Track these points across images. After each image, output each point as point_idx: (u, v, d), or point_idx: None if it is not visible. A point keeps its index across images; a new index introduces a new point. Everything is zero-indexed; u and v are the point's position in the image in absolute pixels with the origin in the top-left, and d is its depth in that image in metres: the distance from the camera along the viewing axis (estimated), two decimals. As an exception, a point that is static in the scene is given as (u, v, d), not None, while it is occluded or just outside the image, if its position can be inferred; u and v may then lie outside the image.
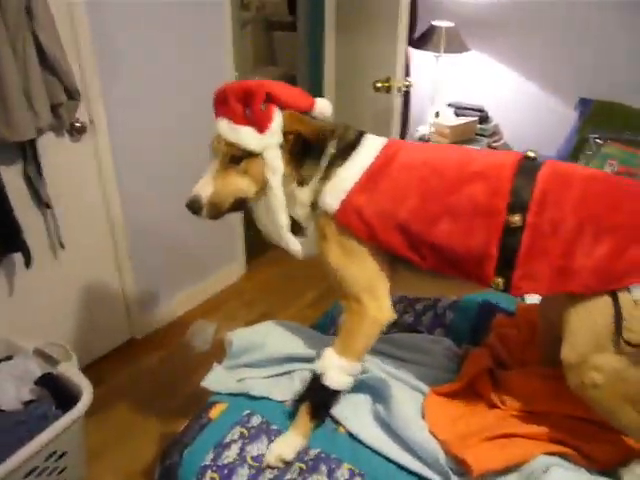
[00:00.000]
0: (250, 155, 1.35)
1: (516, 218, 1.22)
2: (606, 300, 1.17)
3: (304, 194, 1.42)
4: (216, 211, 1.39)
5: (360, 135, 1.43)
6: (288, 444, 1.37)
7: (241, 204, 1.43)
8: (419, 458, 1.34)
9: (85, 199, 2.38)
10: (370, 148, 1.40)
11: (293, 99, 1.39)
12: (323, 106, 1.45)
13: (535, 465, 1.27)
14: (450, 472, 1.29)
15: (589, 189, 1.23)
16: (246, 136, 1.33)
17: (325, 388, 1.39)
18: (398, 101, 2.73)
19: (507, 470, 1.29)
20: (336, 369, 1.38)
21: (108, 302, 2.62)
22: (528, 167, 1.29)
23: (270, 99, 1.33)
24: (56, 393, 1.87)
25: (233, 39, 2.87)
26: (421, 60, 3.55)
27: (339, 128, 1.42)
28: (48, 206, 2.17)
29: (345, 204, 1.35)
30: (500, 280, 1.25)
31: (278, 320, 1.76)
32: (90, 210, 2.41)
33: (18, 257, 2.12)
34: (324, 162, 1.40)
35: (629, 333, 1.15)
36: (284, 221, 1.41)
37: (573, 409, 1.38)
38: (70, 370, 1.93)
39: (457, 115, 3.44)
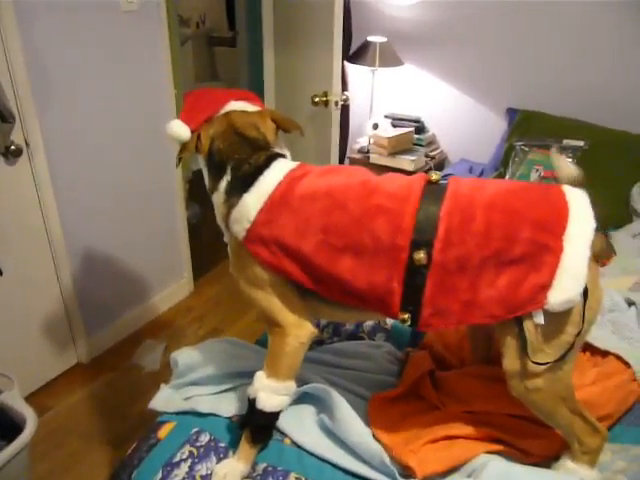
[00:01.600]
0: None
1: (421, 255, 1.20)
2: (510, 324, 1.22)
3: (218, 198, 1.42)
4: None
5: (270, 159, 1.38)
6: (233, 470, 1.35)
7: None
8: (365, 462, 1.37)
9: (24, 223, 2.33)
10: (275, 174, 1.34)
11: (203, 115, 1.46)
12: (174, 132, 1.47)
13: (475, 463, 1.33)
14: (396, 473, 1.33)
15: (489, 222, 1.20)
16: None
17: (260, 411, 1.36)
18: (336, 114, 2.79)
19: (450, 471, 1.35)
20: (267, 391, 1.36)
21: (52, 327, 2.57)
22: (431, 197, 1.25)
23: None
24: (-1, 423, 1.83)
25: (173, 55, 2.88)
26: (358, 74, 3.64)
27: (244, 150, 1.39)
28: (-17, 232, 2.12)
29: (251, 232, 1.32)
30: (406, 316, 1.25)
31: (222, 338, 1.78)
32: (29, 233, 2.36)
33: (-47, 285, 2.06)
34: (222, 186, 1.39)
35: (535, 354, 1.21)
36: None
37: (509, 407, 1.44)
38: (12, 399, 1.87)
39: (394, 126, 3.53)
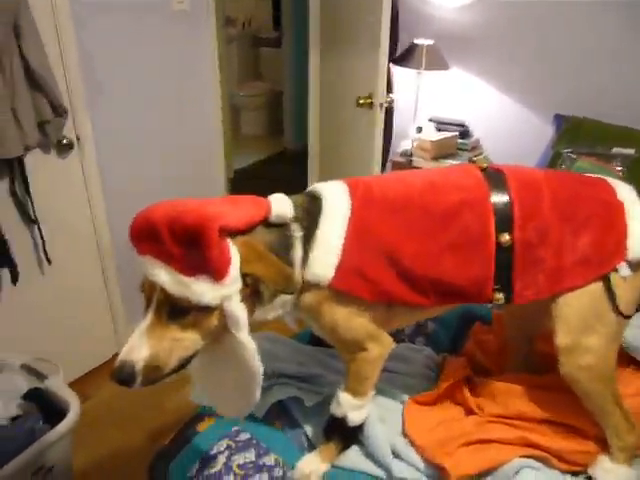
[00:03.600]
0: (200, 307, 1.07)
1: (506, 237, 1.25)
2: (592, 285, 1.28)
3: (281, 299, 1.22)
4: (155, 377, 1.08)
5: (311, 193, 1.30)
6: (317, 470, 1.37)
7: (187, 362, 1.13)
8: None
9: (72, 215, 2.40)
10: (337, 198, 1.26)
11: (246, 219, 1.13)
12: (281, 209, 1.20)
13: (508, 468, 1.33)
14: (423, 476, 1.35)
15: (555, 189, 1.31)
16: (200, 290, 1.04)
17: (353, 427, 1.38)
18: (380, 117, 2.78)
19: (483, 474, 1.34)
20: (356, 409, 1.37)
21: (95, 317, 2.64)
22: (496, 181, 1.31)
23: (221, 234, 1.04)
24: (43, 408, 1.89)
25: (219, 55, 2.92)
26: (403, 77, 3.61)
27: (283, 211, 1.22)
28: (35, 222, 2.20)
29: (341, 268, 1.20)
30: (501, 296, 1.29)
31: (262, 333, 1.79)
32: (77, 226, 2.44)
33: (5, 272, 2.14)
34: (298, 255, 1.21)
35: (622, 306, 1.27)
36: (259, 371, 1.14)
37: (545, 413, 1.45)
38: (57, 385, 1.94)
39: (438, 130, 3.50)
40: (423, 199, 1.29)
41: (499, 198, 1.28)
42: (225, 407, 1.31)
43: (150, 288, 1.09)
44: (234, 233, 1.09)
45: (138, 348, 1.06)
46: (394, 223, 1.26)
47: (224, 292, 1.05)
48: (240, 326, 1.08)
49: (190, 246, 1.03)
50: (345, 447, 1.43)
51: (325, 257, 1.21)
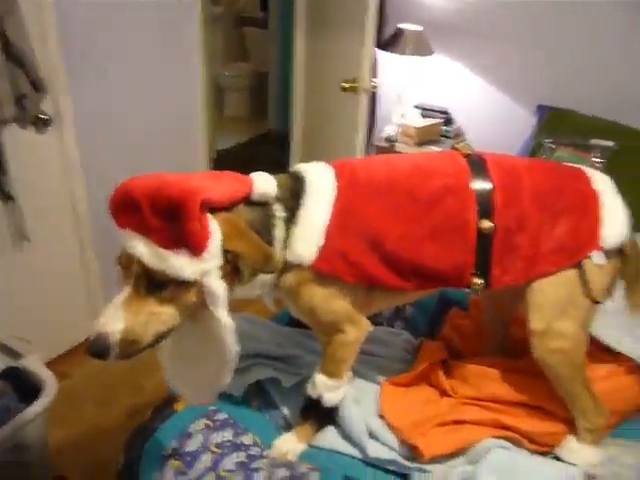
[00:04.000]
0: (178, 281, 1.05)
1: (488, 224, 1.27)
2: (567, 272, 1.31)
3: (261, 279, 1.21)
4: (130, 351, 1.07)
5: (295, 173, 1.29)
6: (294, 449, 1.40)
7: (163, 337, 1.12)
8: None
9: (50, 192, 2.37)
10: (323, 180, 1.26)
11: (228, 195, 1.12)
12: (264, 187, 1.19)
13: (480, 448, 1.37)
14: (398, 455, 1.37)
15: (535, 178, 1.34)
16: (179, 263, 1.03)
17: (328, 408, 1.40)
18: (365, 101, 2.77)
19: (456, 454, 1.38)
20: (332, 390, 1.39)
21: (73, 295, 2.62)
22: (477, 168, 1.33)
23: (203, 205, 1.04)
24: (19, 387, 1.87)
25: (203, 34, 2.88)
26: (388, 62, 3.60)
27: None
28: (11, 198, 2.16)
29: (325, 250, 1.20)
30: (479, 281, 1.31)
31: (241, 314, 1.79)
32: (55, 203, 2.41)
33: (-20, 250, 2.11)
34: (279, 235, 1.21)
35: (595, 293, 1.31)
36: (234, 351, 1.12)
37: (518, 395, 1.48)
38: (33, 363, 1.92)
39: (423, 117, 3.50)
40: (408, 183, 1.30)
41: (481, 185, 1.30)
42: (192, 392, 1.29)
43: (128, 261, 1.08)
44: (215, 209, 1.08)
45: (113, 321, 1.04)
46: (379, 206, 1.26)
47: (203, 267, 1.04)
48: (218, 303, 1.07)
49: (170, 219, 1.02)
50: (321, 427, 1.45)
51: (308, 238, 1.20)
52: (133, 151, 2.65)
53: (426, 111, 3.55)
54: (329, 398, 1.39)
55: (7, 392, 1.84)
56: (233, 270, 1.13)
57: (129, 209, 1.06)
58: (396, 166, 1.35)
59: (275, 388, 1.57)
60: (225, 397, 1.54)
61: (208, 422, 1.45)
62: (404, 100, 3.57)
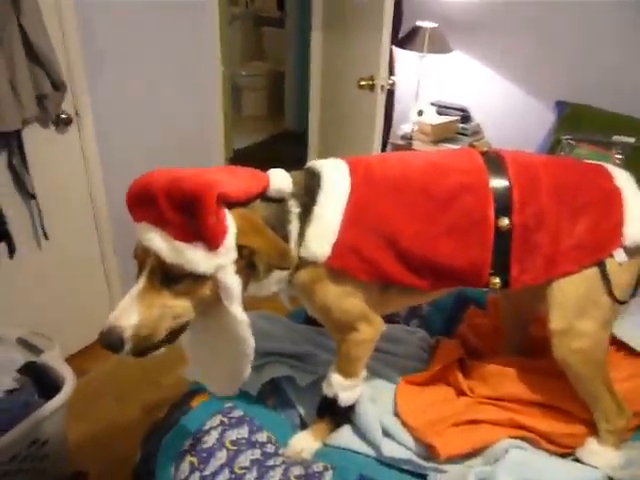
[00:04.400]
0: (194, 276, 1.05)
1: (505, 222, 1.25)
2: (588, 271, 1.28)
3: (277, 276, 1.21)
4: (145, 346, 1.07)
5: (310, 169, 1.29)
6: (309, 447, 1.40)
7: (179, 332, 1.12)
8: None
9: (70, 190, 2.40)
10: (337, 176, 1.25)
11: (245, 190, 1.12)
12: (280, 183, 1.19)
13: (497, 448, 1.35)
14: (414, 455, 1.37)
15: (554, 175, 1.31)
16: (195, 258, 1.03)
17: (345, 407, 1.40)
18: (381, 99, 2.77)
19: (472, 454, 1.37)
20: (348, 390, 1.38)
21: (92, 293, 2.64)
22: (494, 165, 1.31)
23: (219, 199, 1.04)
24: (39, 382, 1.90)
25: (221, 34, 2.90)
26: (405, 59, 3.58)
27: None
28: (33, 197, 2.19)
29: (338, 246, 1.19)
30: (497, 280, 1.29)
31: (256, 311, 1.80)
32: (75, 201, 2.43)
33: (2, 247, 2.14)
34: (294, 230, 1.20)
35: (617, 292, 1.28)
36: (250, 345, 1.13)
37: (536, 395, 1.46)
38: (53, 359, 1.95)
39: (439, 114, 3.48)
40: (424, 180, 1.28)
41: (499, 182, 1.28)
42: (216, 384, 1.31)
43: (144, 254, 1.07)
44: (232, 204, 1.08)
45: (127, 314, 1.04)
46: (394, 203, 1.25)
47: (218, 262, 1.04)
48: (233, 298, 1.07)
49: (187, 212, 1.02)
50: (337, 426, 1.45)
51: (322, 234, 1.19)
52: (151, 150, 2.67)
53: (442, 108, 3.52)
54: (345, 397, 1.39)
55: (27, 387, 1.87)
56: (248, 266, 1.12)
57: (146, 202, 1.06)
58: (411, 163, 1.34)
59: (291, 386, 1.57)
60: (241, 394, 1.54)
61: (224, 419, 1.45)
62: (421, 98, 3.55)
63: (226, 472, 1.32)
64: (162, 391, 2.40)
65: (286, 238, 1.18)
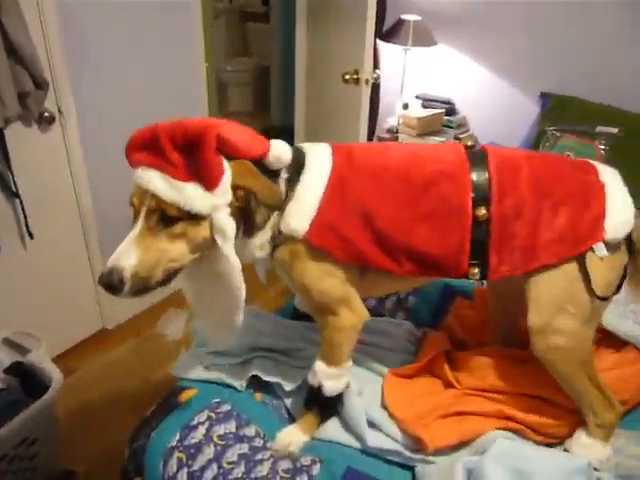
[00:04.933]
0: (190, 217, 1.11)
1: (483, 211, 1.25)
2: (566, 266, 1.27)
3: (259, 237, 1.26)
4: (142, 286, 1.12)
5: (298, 148, 1.33)
6: (297, 440, 1.40)
7: (174, 275, 1.17)
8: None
9: (54, 189, 2.38)
10: (320, 157, 1.29)
11: (244, 144, 1.17)
12: (280, 151, 1.24)
13: (485, 439, 1.36)
14: (401, 447, 1.37)
15: (534, 167, 1.31)
16: (192, 196, 1.08)
17: (329, 397, 1.40)
18: (366, 93, 2.77)
19: (460, 445, 1.38)
20: (331, 379, 1.38)
21: (79, 292, 2.63)
22: (477, 158, 1.32)
23: (218, 145, 1.10)
24: (26, 382, 1.89)
25: (205, 30, 2.88)
26: (390, 53, 3.59)
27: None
28: (17, 196, 2.18)
29: (316, 223, 1.22)
30: (476, 270, 1.29)
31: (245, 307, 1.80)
32: (59, 200, 2.42)
33: (-14, 247, 2.13)
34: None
35: (597, 287, 1.26)
36: (242, 290, 1.20)
37: (523, 387, 1.47)
38: (40, 359, 1.93)
39: (424, 107, 3.49)
40: (403, 166, 1.31)
41: (478, 173, 1.29)
42: (213, 327, 1.38)
43: (140, 200, 1.12)
44: (229, 157, 1.13)
45: (126, 256, 1.09)
46: (372, 185, 1.27)
47: (215, 201, 1.10)
48: (226, 239, 1.13)
49: (187, 151, 1.08)
50: (324, 418, 1.45)
51: (301, 210, 1.23)
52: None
53: (427, 101, 3.54)
54: (329, 387, 1.39)
55: (14, 387, 1.86)
56: (242, 210, 1.18)
57: (147, 146, 1.12)
58: (392, 151, 1.36)
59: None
60: (229, 389, 1.55)
61: (211, 414, 1.45)
62: (406, 91, 3.56)
63: (214, 467, 1.32)
64: (150, 388, 2.40)
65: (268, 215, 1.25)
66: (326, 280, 1.30)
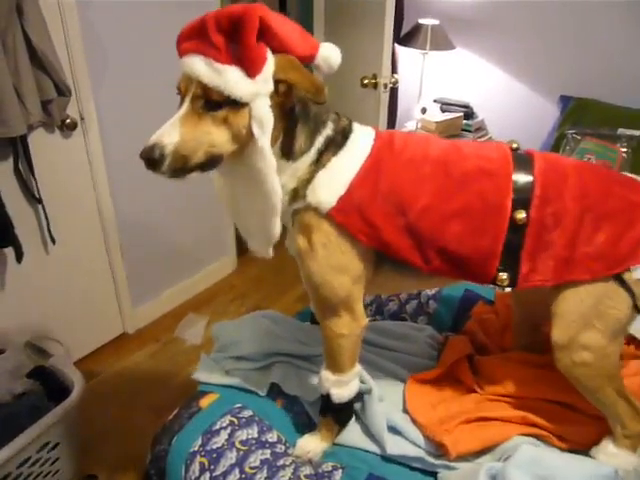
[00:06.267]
0: (232, 103, 1.09)
1: (522, 215, 1.20)
2: (599, 283, 1.22)
3: (287, 173, 1.20)
4: (181, 164, 1.10)
5: (351, 122, 1.28)
6: (316, 448, 1.40)
7: (212, 162, 1.14)
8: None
9: (76, 194, 2.41)
10: (364, 137, 1.25)
11: (290, 37, 1.11)
12: (330, 52, 1.17)
13: (508, 445, 1.34)
14: (423, 452, 1.36)
15: (582, 178, 1.25)
16: (233, 79, 1.06)
17: (338, 404, 1.38)
18: (385, 97, 2.77)
19: (483, 451, 1.36)
20: (337, 386, 1.37)
21: (100, 296, 2.65)
22: (522, 160, 1.27)
23: (262, 33, 1.06)
24: (48, 386, 1.90)
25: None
26: (408, 57, 3.59)
27: (330, 111, 1.25)
28: (39, 201, 2.20)
29: (344, 200, 1.18)
30: (505, 276, 1.24)
31: (263, 311, 1.80)
32: (81, 205, 2.44)
33: (9, 252, 2.15)
34: (318, 142, 1.20)
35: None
36: (276, 183, 1.14)
37: (547, 392, 1.45)
38: (62, 363, 1.95)
39: (443, 111, 3.48)
40: (444, 159, 1.25)
41: (522, 176, 1.23)
42: (254, 241, 1.33)
43: (186, 85, 1.12)
44: (275, 49, 1.10)
45: (169, 133, 1.10)
46: (409, 173, 1.22)
47: (255, 88, 1.07)
48: (264, 129, 1.10)
49: (231, 35, 1.06)
50: (342, 425, 1.44)
51: (332, 183, 1.19)
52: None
53: (446, 105, 3.53)
54: (338, 394, 1.37)
55: (36, 391, 1.88)
56: (282, 106, 1.15)
57: (195, 34, 1.12)
58: (435, 142, 1.31)
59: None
60: (250, 394, 1.55)
61: (233, 419, 1.46)
62: (424, 95, 3.55)
63: (236, 472, 1.32)
64: (172, 393, 2.40)
65: (311, 139, 1.20)
66: (335, 275, 1.25)
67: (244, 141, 1.13)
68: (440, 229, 1.22)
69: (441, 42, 3.31)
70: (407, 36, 3.39)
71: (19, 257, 2.14)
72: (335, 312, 1.31)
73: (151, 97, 2.57)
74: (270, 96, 1.10)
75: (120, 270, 2.68)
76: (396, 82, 2.95)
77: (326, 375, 1.37)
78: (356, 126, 1.28)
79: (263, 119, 1.09)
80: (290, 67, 1.10)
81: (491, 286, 1.36)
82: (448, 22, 3.37)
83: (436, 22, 3.30)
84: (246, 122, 1.10)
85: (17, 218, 2.11)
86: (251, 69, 1.06)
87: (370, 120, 2.84)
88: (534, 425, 1.40)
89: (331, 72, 1.19)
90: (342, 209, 1.19)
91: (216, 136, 1.11)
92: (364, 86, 2.76)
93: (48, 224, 2.26)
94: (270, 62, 1.08)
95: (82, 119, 2.30)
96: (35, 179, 2.16)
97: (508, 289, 1.36)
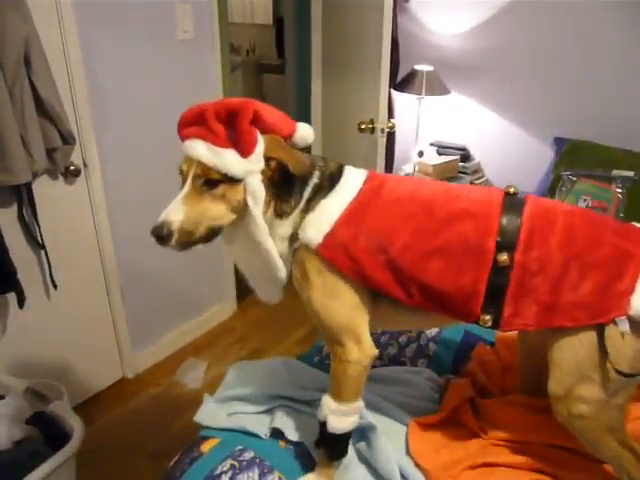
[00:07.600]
0: (229, 180, 1.23)
1: (504, 257, 1.21)
2: (589, 333, 1.20)
3: (283, 227, 1.32)
4: (187, 239, 1.24)
5: (341, 167, 1.37)
6: None
7: (214, 233, 1.28)
8: None
9: (78, 240, 2.43)
10: (353, 180, 1.34)
11: (276, 123, 1.30)
12: (305, 132, 1.36)
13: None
14: None
15: (571, 224, 1.25)
16: (230, 160, 1.21)
17: (332, 434, 1.37)
18: (382, 141, 2.83)
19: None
20: (336, 415, 1.36)
21: (100, 341, 2.65)
22: (513, 204, 1.28)
23: (254, 120, 1.23)
24: (47, 432, 1.89)
25: (224, 81, 2.98)
26: (404, 102, 3.67)
27: (317, 159, 1.36)
28: (42, 247, 2.23)
29: (329, 238, 1.27)
30: (488, 317, 1.25)
31: (285, 358, 1.82)
32: (83, 251, 2.47)
33: (11, 297, 2.16)
34: (307, 193, 1.31)
35: (617, 364, 1.18)
36: (270, 245, 1.28)
37: (551, 438, 1.42)
38: (61, 409, 1.94)
39: (439, 154, 3.55)
40: (430, 200, 1.31)
41: (509, 218, 1.25)
42: (261, 291, 1.45)
43: (187, 166, 1.27)
44: (263, 131, 1.26)
45: (175, 212, 1.24)
46: (393, 212, 1.30)
47: (249, 167, 1.23)
48: (256, 201, 1.25)
49: (228, 123, 1.23)
50: (333, 459, 1.41)
51: (319, 223, 1.29)
52: (158, 198, 2.69)
53: (442, 148, 3.60)
54: (334, 423, 1.35)
55: (35, 437, 1.86)
56: (273, 183, 1.29)
57: (195, 121, 1.27)
58: (425, 185, 1.39)
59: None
60: (252, 436, 1.54)
61: (234, 462, 1.44)
62: (421, 139, 3.62)
63: (238, 517, 1.30)
64: (172, 437, 2.38)
65: (299, 194, 1.32)
66: (332, 301, 1.31)
67: (240, 212, 1.27)
68: (420, 266, 1.26)
69: (436, 87, 3.39)
70: (403, 82, 3.48)
71: (21, 302, 2.15)
72: (340, 340, 1.33)
73: (153, 142, 2.63)
74: (262, 171, 1.25)
75: (120, 315, 2.69)
76: (393, 127, 3.01)
77: (327, 401, 1.37)
78: (347, 169, 1.38)
79: (256, 192, 1.24)
80: (278, 147, 1.27)
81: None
82: (442, 68, 3.46)
83: (430, 68, 3.39)
84: (241, 196, 1.25)
85: (20, 263, 2.13)
86: (245, 150, 1.22)
87: (368, 163, 2.88)
88: (540, 471, 1.37)
89: (307, 146, 1.38)
90: (328, 245, 1.28)
91: (216, 210, 1.25)
92: (362, 131, 2.83)
93: (50, 269, 2.28)
94: (261, 143, 1.24)
95: (85, 166, 2.35)
96: (38, 225, 2.19)
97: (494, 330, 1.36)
